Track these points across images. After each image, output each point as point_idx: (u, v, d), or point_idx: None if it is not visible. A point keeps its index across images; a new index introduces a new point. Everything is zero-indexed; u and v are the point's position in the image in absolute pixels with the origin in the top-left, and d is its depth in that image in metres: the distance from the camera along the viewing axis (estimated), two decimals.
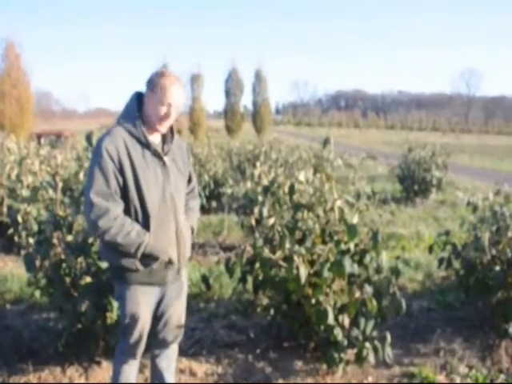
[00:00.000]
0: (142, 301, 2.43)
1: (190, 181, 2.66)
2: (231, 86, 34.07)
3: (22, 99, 20.67)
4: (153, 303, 2.50)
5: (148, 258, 2.35)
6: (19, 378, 3.12)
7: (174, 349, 2.73)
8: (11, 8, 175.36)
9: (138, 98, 2.40)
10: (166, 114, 2.33)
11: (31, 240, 3.29)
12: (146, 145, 2.34)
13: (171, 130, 2.49)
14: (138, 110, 2.37)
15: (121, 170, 2.28)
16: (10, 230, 5.39)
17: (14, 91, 20.44)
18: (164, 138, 2.46)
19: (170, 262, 2.41)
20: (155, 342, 2.67)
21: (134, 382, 2.61)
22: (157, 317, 2.57)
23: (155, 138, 2.42)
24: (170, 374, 2.72)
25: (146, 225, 2.33)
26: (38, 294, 3.30)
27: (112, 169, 2.26)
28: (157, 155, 2.37)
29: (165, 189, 2.37)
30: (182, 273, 2.55)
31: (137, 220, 2.33)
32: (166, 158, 2.40)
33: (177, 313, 2.60)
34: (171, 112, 2.33)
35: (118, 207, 2.29)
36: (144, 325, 2.47)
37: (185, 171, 2.56)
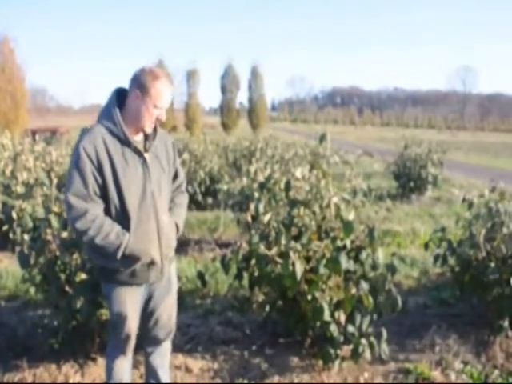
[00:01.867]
0: (128, 300, 2.42)
1: (176, 177, 2.59)
2: (227, 83, 34.01)
3: (16, 95, 20.58)
4: (140, 302, 2.48)
5: (129, 259, 2.31)
6: (14, 375, 3.11)
7: (166, 347, 2.72)
8: (6, 2, 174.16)
9: (119, 94, 2.33)
10: (158, 117, 2.31)
11: (26, 237, 3.27)
12: (125, 142, 2.27)
13: (154, 126, 2.42)
14: (120, 107, 2.30)
15: (99, 170, 2.23)
16: (5, 227, 5.36)
17: (9, 87, 20.35)
18: (147, 135, 2.39)
19: (152, 263, 2.37)
20: (147, 339, 2.67)
21: (127, 377, 2.61)
22: (147, 315, 2.56)
23: (137, 135, 2.36)
24: (164, 371, 2.72)
25: (126, 225, 2.28)
26: (32, 290, 3.29)
27: (90, 169, 2.22)
28: (137, 153, 2.30)
29: (145, 187, 2.31)
30: (167, 270, 2.50)
31: (118, 220, 2.28)
32: (146, 155, 2.33)
33: (167, 311, 2.58)
34: (164, 114, 2.33)
35: (96, 208, 2.25)
36: (131, 323, 2.46)
37: (169, 168, 2.48)
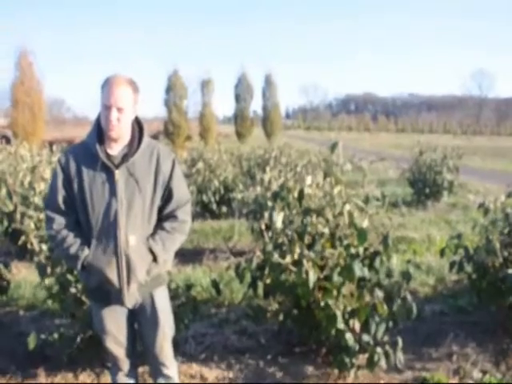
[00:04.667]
0: (108, 318, 2.40)
1: (169, 199, 2.37)
2: (241, 92, 34.09)
3: (34, 107, 20.90)
4: (123, 322, 2.44)
5: (89, 276, 2.30)
6: (32, 383, 3.15)
7: (170, 373, 2.60)
8: (24, 15, 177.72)
9: None
10: (108, 117, 2.19)
11: (44, 247, 3.33)
12: (96, 157, 2.24)
13: (139, 139, 2.32)
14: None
15: (69, 182, 2.27)
16: (23, 237, 5.44)
17: (27, 99, 20.67)
18: (129, 149, 2.30)
19: (110, 284, 2.28)
20: (148, 364, 2.67)
21: None
22: (141, 342, 2.56)
23: (114, 150, 2.29)
24: None
25: (89, 240, 2.27)
26: (50, 300, 3.34)
27: (62, 180, 2.28)
28: (105, 168, 2.24)
29: (110, 204, 2.23)
30: (134, 297, 2.35)
31: (85, 233, 2.29)
32: (117, 172, 2.24)
33: (158, 342, 2.47)
34: (115, 114, 2.19)
35: (63, 218, 2.29)
36: (115, 342, 2.44)
37: (154, 187, 2.31)
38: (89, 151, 2.27)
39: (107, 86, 2.21)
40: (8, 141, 18.44)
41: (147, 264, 2.33)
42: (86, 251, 2.25)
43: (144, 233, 2.32)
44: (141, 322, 2.48)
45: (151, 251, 2.32)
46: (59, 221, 2.29)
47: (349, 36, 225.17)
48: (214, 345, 3.69)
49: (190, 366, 3.35)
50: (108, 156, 2.27)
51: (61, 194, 2.28)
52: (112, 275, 2.26)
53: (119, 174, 2.25)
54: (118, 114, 2.21)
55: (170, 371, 2.59)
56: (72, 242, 2.27)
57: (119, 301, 2.33)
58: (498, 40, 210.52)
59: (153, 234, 2.35)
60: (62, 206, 2.29)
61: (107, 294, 2.32)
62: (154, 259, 2.34)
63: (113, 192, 2.24)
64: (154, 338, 2.46)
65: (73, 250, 2.26)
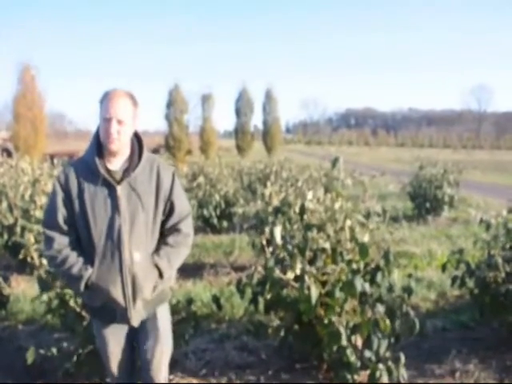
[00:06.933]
0: (110, 337, 2.37)
1: (171, 212, 2.35)
2: (242, 106, 34.28)
3: (36, 121, 20.99)
4: (123, 340, 2.41)
5: (93, 295, 2.26)
6: None
7: None
8: (26, 29, 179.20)
9: None
10: (108, 129, 2.16)
11: (44, 261, 3.32)
12: (96, 173, 2.20)
13: (139, 154, 2.30)
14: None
15: (69, 200, 2.22)
16: (23, 251, 5.43)
17: (29, 113, 20.78)
18: (129, 165, 2.27)
19: (114, 303, 2.24)
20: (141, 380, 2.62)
21: None
22: (139, 359, 2.51)
23: (115, 165, 2.26)
24: None
25: (91, 259, 2.22)
26: (49, 314, 3.32)
27: (61, 199, 2.23)
28: (106, 184, 2.21)
29: (113, 221, 2.19)
30: (139, 314, 2.31)
31: (86, 252, 2.23)
32: (119, 187, 2.21)
33: (156, 359, 2.42)
34: (115, 126, 2.17)
35: (64, 238, 2.23)
36: (115, 359, 2.42)
37: (156, 202, 2.29)
38: (88, 167, 2.23)
39: (107, 98, 2.20)
40: (9, 154, 18.50)
41: (153, 281, 2.29)
42: (90, 270, 2.20)
43: (148, 248, 2.29)
44: (141, 338, 2.42)
45: (157, 267, 2.29)
46: (59, 240, 2.23)
47: (349, 51, 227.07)
48: (214, 360, 3.66)
49: (190, 382, 3.31)
50: (108, 171, 2.24)
51: (61, 213, 2.23)
52: (117, 294, 2.22)
53: (121, 190, 2.22)
54: (118, 127, 2.18)
55: None
56: (74, 261, 2.21)
57: (125, 319, 2.29)
58: (497, 54, 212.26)
59: (157, 250, 2.32)
60: (63, 225, 2.23)
61: (111, 313, 2.29)
62: (160, 275, 2.31)
63: (115, 208, 2.20)
64: (153, 356, 2.41)
65: (75, 270, 2.20)
